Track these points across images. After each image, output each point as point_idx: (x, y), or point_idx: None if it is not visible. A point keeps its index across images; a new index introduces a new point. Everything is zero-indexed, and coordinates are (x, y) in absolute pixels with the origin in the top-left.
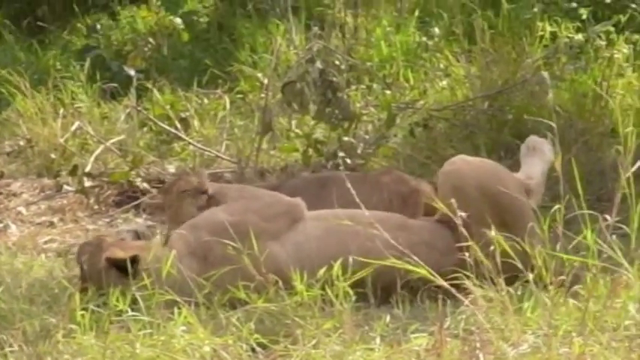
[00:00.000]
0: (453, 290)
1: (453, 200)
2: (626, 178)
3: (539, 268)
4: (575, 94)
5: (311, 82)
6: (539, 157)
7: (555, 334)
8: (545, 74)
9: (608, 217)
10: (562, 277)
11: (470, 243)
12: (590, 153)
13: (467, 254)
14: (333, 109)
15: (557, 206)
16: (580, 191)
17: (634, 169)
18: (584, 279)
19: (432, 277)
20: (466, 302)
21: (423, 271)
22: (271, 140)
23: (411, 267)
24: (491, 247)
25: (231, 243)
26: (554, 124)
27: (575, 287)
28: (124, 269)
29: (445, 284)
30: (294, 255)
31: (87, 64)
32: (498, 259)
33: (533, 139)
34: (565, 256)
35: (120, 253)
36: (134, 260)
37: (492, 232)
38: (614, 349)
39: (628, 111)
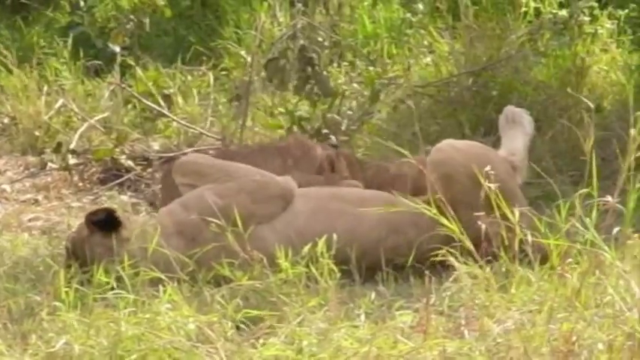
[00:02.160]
0: (439, 267)
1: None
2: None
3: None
4: (559, 70)
5: (293, 58)
6: (520, 131)
7: (540, 310)
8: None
9: (609, 197)
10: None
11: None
12: (572, 129)
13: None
14: (313, 85)
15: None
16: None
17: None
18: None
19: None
20: (451, 279)
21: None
22: (239, 111)
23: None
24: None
25: (221, 225)
26: None
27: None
28: (107, 228)
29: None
30: (282, 233)
31: (70, 41)
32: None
33: (511, 110)
34: (551, 241)
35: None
36: (112, 215)
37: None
38: (599, 325)
39: (612, 87)
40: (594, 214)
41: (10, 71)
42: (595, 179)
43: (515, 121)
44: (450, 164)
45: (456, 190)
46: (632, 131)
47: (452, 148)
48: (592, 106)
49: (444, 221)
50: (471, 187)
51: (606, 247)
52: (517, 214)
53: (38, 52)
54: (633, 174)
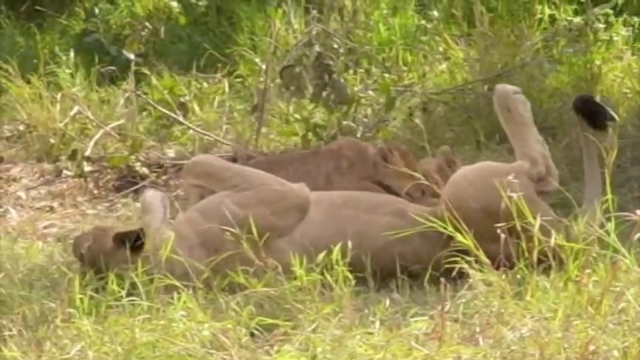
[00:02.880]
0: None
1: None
2: None
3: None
4: (574, 77)
5: (309, 65)
6: (520, 124)
7: (555, 318)
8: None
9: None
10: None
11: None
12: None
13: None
14: (330, 92)
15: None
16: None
17: None
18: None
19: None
20: (466, 286)
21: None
22: (257, 120)
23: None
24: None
25: (241, 236)
26: None
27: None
28: (133, 247)
29: None
30: (299, 243)
31: (81, 47)
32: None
33: (502, 95)
34: (569, 244)
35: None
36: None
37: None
38: (614, 332)
39: (627, 94)
40: (613, 221)
41: (24, 78)
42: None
43: (511, 109)
44: (464, 198)
45: (469, 222)
46: None
47: (465, 180)
48: (616, 118)
49: (459, 237)
50: (485, 220)
51: (626, 252)
52: (538, 223)
53: (53, 59)
54: None
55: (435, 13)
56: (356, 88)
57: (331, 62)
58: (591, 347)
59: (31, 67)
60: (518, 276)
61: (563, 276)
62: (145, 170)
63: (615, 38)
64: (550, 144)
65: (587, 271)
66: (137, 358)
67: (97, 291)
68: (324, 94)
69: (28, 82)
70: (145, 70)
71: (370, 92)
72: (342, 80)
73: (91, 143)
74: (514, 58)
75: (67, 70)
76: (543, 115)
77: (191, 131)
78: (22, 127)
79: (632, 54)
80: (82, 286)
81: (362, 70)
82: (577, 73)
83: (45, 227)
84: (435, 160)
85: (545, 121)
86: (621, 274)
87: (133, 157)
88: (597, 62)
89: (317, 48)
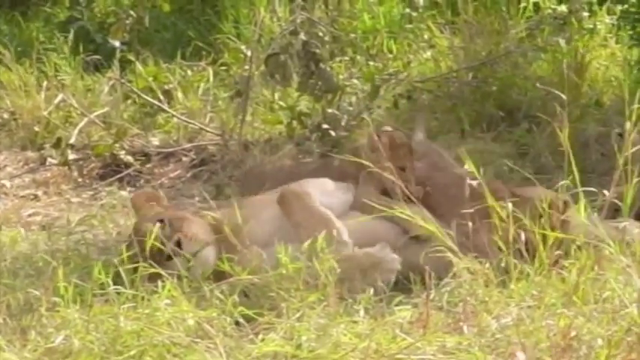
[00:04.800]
0: None
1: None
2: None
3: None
4: (559, 66)
5: (294, 53)
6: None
7: (539, 306)
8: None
9: (606, 192)
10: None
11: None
12: (572, 125)
13: None
14: (316, 80)
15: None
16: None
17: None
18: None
19: None
20: (450, 275)
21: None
22: (239, 107)
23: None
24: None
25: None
26: None
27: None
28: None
29: None
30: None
31: (70, 36)
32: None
33: None
34: (552, 233)
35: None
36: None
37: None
38: (598, 320)
39: (612, 82)
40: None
41: (9, 67)
42: (576, 172)
43: None
44: None
45: None
46: (628, 125)
47: None
48: None
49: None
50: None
51: (610, 241)
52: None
53: (37, 47)
54: (630, 168)
55: (420, 2)
56: (341, 77)
57: (317, 50)
58: (574, 334)
59: (17, 55)
60: (502, 264)
61: (545, 264)
62: (129, 158)
63: (599, 26)
64: (534, 132)
65: (565, 256)
66: (122, 346)
67: (81, 279)
68: (311, 82)
69: (10, 68)
70: (131, 57)
71: (355, 80)
72: (328, 69)
73: (76, 131)
74: (498, 47)
75: (61, 56)
76: (527, 104)
77: (175, 119)
78: (6, 115)
79: (616, 42)
80: (66, 275)
81: (347, 59)
82: (561, 62)
83: (29, 215)
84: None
85: (529, 110)
86: (605, 263)
87: (117, 145)
88: (581, 51)
89: (302, 36)
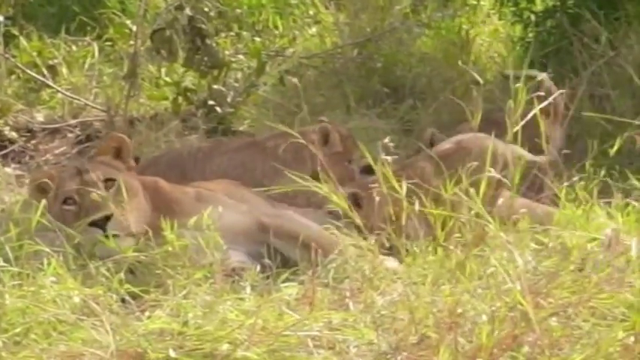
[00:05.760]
0: None
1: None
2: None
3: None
4: (442, 42)
5: (180, 29)
6: None
7: (424, 282)
8: None
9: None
10: None
11: None
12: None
13: None
14: (202, 56)
15: None
16: None
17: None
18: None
19: None
20: (336, 251)
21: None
22: (132, 87)
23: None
24: None
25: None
26: None
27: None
28: None
29: None
30: None
31: None
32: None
33: None
34: (431, 211)
35: None
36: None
37: None
38: (482, 296)
39: (494, 59)
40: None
41: None
42: None
43: None
44: None
45: None
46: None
47: None
48: (481, 81)
49: (334, 198)
50: None
51: (490, 219)
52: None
53: None
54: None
55: None
56: (227, 53)
57: (203, 26)
58: (459, 311)
59: None
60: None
61: (431, 241)
62: (13, 134)
63: (482, 3)
64: (419, 109)
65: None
66: (7, 324)
67: None
68: (197, 58)
69: None
70: (15, 32)
71: (241, 56)
72: (214, 44)
73: None
74: (383, 23)
75: None
76: (412, 80)
77: (60, 95)
78: None
79: (499, 19)
80: None
81: (232, 34)
82: (445, 38)
83: None
84: None
85: (414, 86)
86: (489, 240)
87: (1, 121)
88: (465, 27)
89: (188, 11)
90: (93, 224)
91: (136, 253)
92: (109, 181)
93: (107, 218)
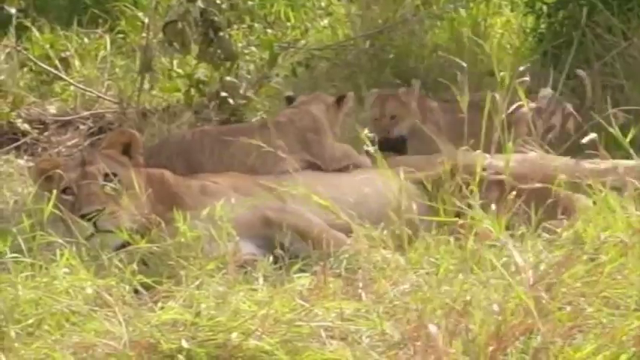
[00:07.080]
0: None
1: None
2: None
3: None
4: (455, 34)
5: (192, 21)
6: None
7: (437, 272)
8: None
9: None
10: None
11: None
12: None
13: None
14: (215, 48)
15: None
16: None
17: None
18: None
19: None
20: (349, 241)
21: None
22: (150, 80)
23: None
24: None
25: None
26: None
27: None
28: None
29: None
30: None
31: None
32: None
33: None
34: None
35: None
36: None
37: None
38: (494, 286)
39: (507, 50)
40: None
41: None
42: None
43: None
44: None
45: None
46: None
47: None
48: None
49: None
50: None
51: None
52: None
53: None
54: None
55: None
56: (239, 45)
57: (216, 18)
58: (470, 299)
59: None
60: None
61: (443, 231)
62: (26, 126)
63: None
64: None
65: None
66: (20, 315)
67: None
68: (209, 50)
69: None
70: (27, 24)
71: (253, 48)
72: (226, 36)
73: None
74: (395, 14)
75: None
76: (425, 72)
77: (72, 87)
78: None
79: (511, 10)
80: None
81: (244, 26)
82: (458, 30)
83: None
84: None
85: (426, 78)
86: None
87: (14, 113)
88: (479, 19)
89: (200, 3)
90: (84, 217)
91: (148, 245)
92: (109, 176)
93: (99, 212)
